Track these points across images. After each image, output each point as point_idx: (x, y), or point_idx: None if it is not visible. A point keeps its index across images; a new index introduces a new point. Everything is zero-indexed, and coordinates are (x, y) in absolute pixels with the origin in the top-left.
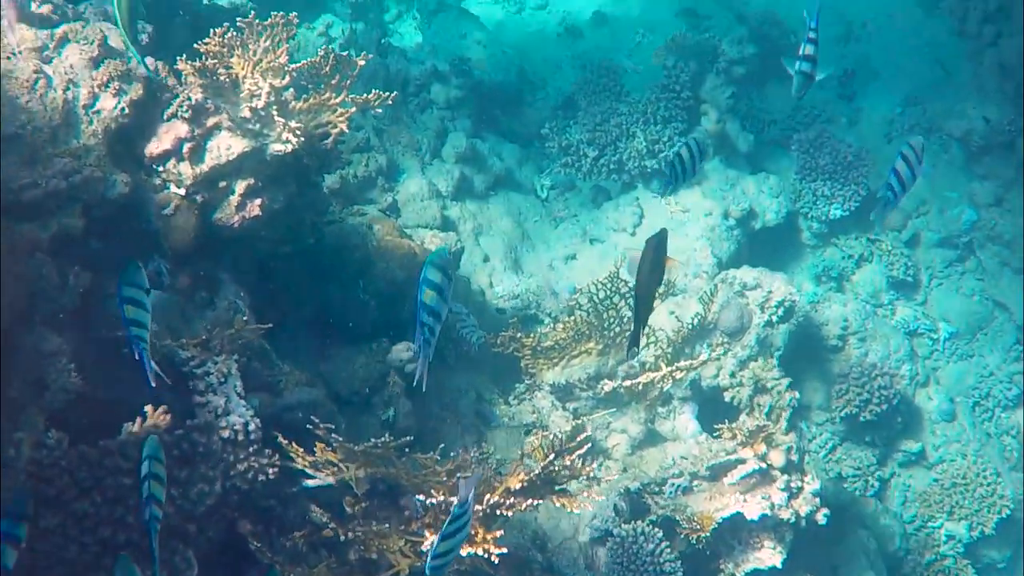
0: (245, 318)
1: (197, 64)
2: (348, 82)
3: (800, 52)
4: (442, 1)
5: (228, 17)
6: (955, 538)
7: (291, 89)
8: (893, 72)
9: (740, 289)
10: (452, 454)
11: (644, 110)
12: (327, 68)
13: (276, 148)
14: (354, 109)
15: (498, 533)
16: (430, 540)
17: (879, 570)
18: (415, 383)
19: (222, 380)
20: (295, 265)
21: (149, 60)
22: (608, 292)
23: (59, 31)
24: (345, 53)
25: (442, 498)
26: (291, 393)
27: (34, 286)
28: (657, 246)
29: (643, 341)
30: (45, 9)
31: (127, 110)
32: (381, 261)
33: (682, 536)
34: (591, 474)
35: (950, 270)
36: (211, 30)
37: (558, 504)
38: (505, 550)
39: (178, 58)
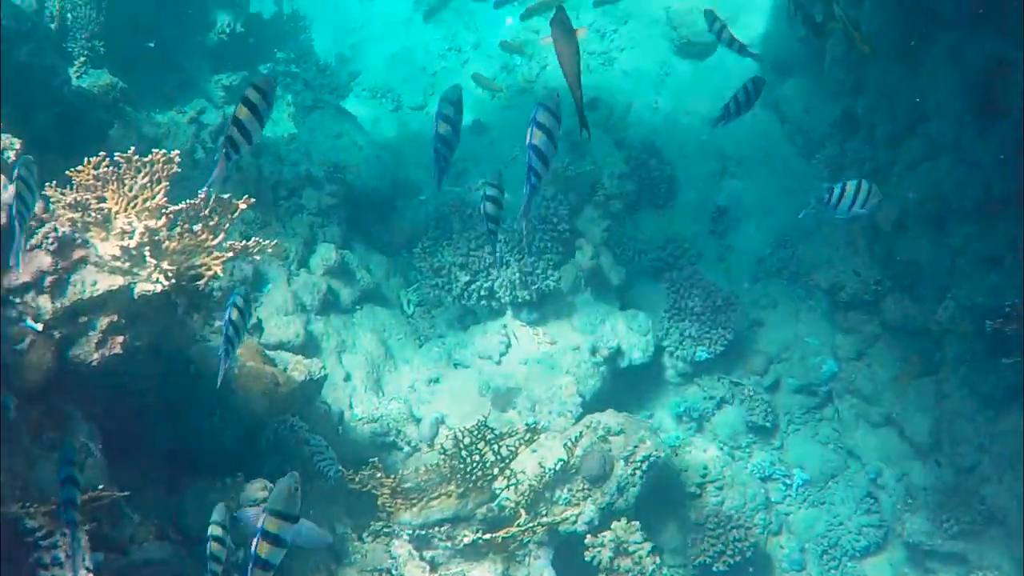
0: (95, 460)
1: (69, 197)
2: (227, 224)
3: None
4: (319, 98)
5: (98, 105)
6: None
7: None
8: (765, 213)
9: (604, 434)
10: None
11: (519, 239)
12: (207, 211)
13: (145, 288)
14: (231, 254)
15: None
16: None
17: None
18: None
19: (69, 554)
20: (151, 394)
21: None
22: (474, 438)
23: None
24: (227, 196)
25: None
26: (140, 551)
27: None
28: (565, 25)
29: (503, 482)
30: None
31: None
32: (241, 390)
33: None
34: None
35: (807, 416)
36: (85, 159)
37: None
38: None
39: (47, 184)
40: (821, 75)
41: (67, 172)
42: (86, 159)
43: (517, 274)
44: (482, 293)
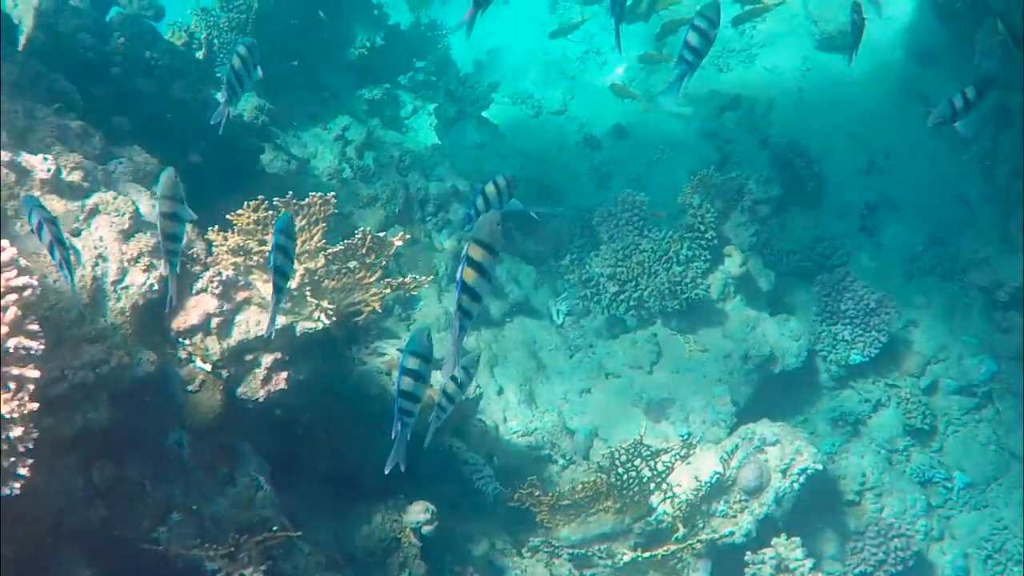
0: (265, 492)
1: (230, 242)
2: (383, 262)
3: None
4: (461, 109)
5: (249, 132)
6: None
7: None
8: (915, 207)
9: (759, 444)
10: None
11: (667, 249)
12: (363, 249)
13: (306, 326)
14: (388, 291)
15: None
16: None
17: None
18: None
19: None
20: (316, 423)
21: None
22: (630, 455)
23: (90, 202)
24: (382, 233)
25: None
26: None
27: (60, 500)
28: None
29: (659, 496)
30: (76, 177)
31: (156, 286)
32: None
33: None
34: None
35: (967, 418)
36: (245, 203)
37: None
38: None
39: (210, 229)
40: (970, 66)
41: (228, 216)
42: (246, 203)
43: (666, 283)
44: (631, 303)
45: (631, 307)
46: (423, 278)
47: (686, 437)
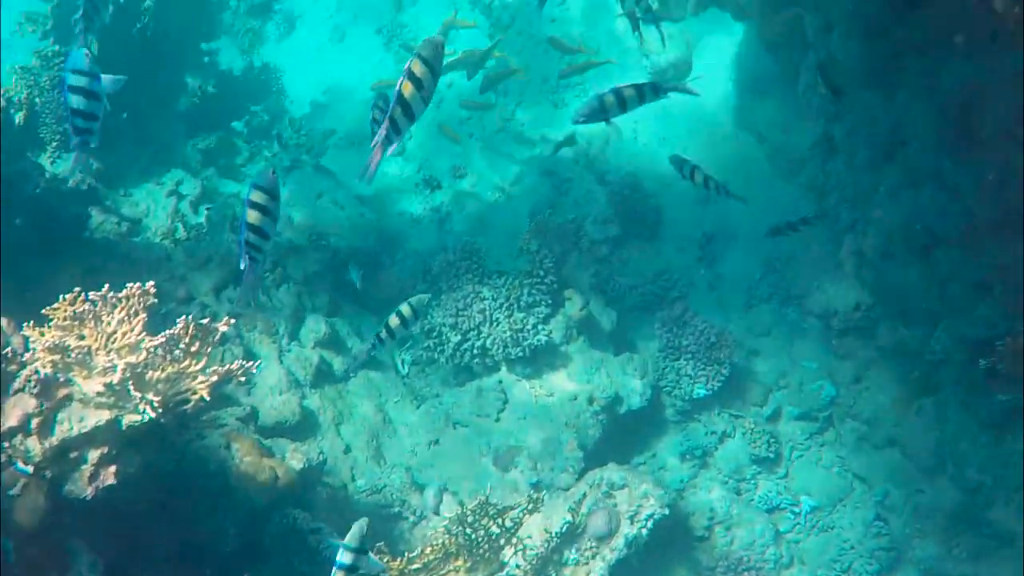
0: None
1: (47, 339)
2: (208, 349)
3: None
4: (296, 159)
5: (71, 200)
6: None
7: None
8: (752, 237)
9: (608, 490)
10: None
11: (507, 295)
12: (187, 338)
13: (132, 419)
14: (216, 379)
15: None
16: None
17: None
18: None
19: None
20: (151, 511)
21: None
22: (477, 516)
23: None
24: (206, 319)
25: None
26: None
27: None
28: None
29: (510, 551)
30: None
31: None
32: (240, 488)
33: None
34: None
35: (810, 442)
36: (60, 296)
37: None
38: None
39: (25, 324)
40: (797, 97)
41: (43, 311)
42: (61, 296)
43: (508, 331)
44: (474, 352)
45: (475, 356)
46: (251, 363)
47: (534, 484)
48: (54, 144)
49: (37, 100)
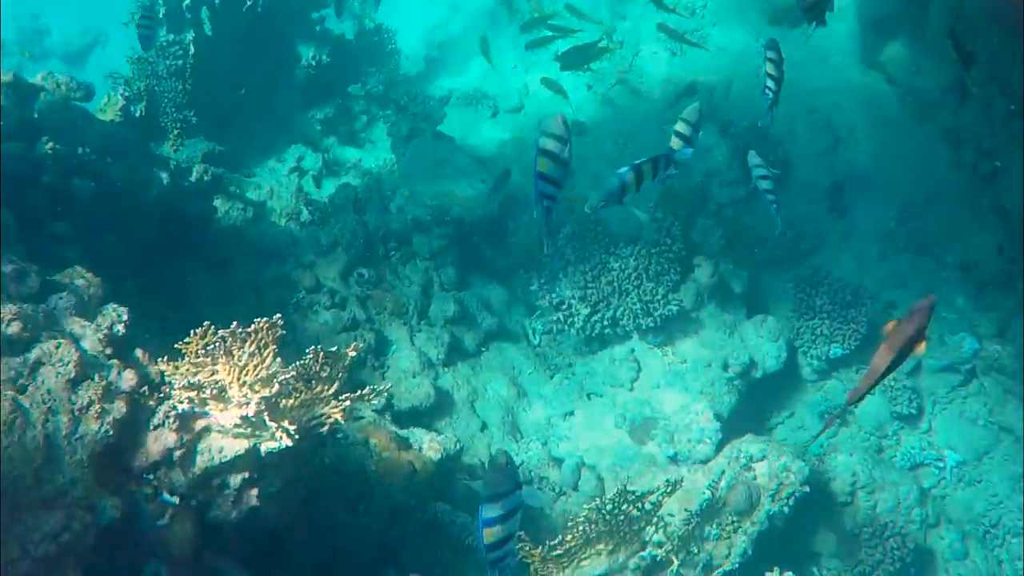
0: None
1: (182, 377)
2: (340, 374)
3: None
4: (414, 127)
5: (194, 195)
6: None
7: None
8: (883, 183)
9: (746, 462)
10: None
11: (635, 266)
12: (317, 366)
13: (270, 445)
14: (348, 403)
15: None
16: None
17: None
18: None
19: None
20: (297, 523)
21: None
22: (616, 504)
23: (32, 355)
24: (334, 348)
25: None
26: None
27: None
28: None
29: (651, 529)
30: (15, 328)
31: (111, 431)
32: (380, 484)
33: None
34: None
35: (953, 395)
36: (191, 331)
37: None
38: None
39: (159, 359)
40: (927, 41)
41: (176, 345)
42: (192, 332)
43: (638, 302)
44: (605, 323)
45: (606, 326)
46: (383, 386)
47: (671, 457)
48: (176, 132)
49: (156, 90)
